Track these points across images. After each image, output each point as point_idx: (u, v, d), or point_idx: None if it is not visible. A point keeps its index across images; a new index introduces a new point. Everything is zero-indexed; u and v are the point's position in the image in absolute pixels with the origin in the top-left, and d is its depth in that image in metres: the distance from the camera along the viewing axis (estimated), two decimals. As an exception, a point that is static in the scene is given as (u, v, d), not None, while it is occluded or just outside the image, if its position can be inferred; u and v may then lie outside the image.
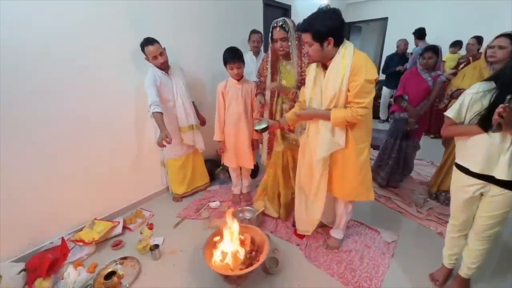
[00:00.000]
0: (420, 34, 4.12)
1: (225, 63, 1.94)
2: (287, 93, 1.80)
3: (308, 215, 1.73)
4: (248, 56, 2.80)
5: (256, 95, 2.02)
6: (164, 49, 2.03)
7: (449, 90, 2.08)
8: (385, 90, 4.70)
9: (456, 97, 1.98)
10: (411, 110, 2.30)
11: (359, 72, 1.25)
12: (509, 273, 1.60)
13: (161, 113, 2.05)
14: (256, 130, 1.64)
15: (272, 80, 1.86)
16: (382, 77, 4.85)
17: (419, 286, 1.53)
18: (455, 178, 1.32)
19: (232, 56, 1.90)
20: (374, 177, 2.63)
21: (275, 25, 1.66)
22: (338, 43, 1.29)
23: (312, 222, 1.73)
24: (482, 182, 1.19)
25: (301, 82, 1.73)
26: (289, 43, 1.68)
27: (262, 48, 2.96)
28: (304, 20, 1.29)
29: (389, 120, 4.15)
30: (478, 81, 1.92)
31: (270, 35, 1.72)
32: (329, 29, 1.24)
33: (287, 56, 1.76)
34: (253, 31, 2.80)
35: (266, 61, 1.88)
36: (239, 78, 2.01)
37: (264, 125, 1.62)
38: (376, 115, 3.75)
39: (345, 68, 1.27)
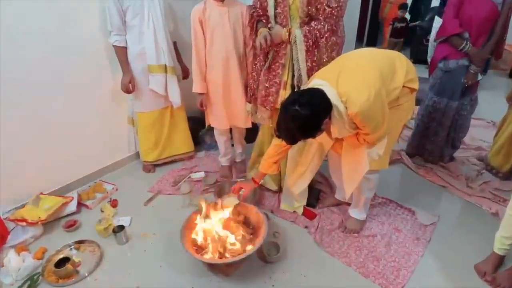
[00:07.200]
0: None
1: None
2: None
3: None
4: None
5: (252, 26, 1.79)
6: None
7: None
8: (438, 21, 4.35)
9: None
10: (476, 53, 2.03)
11: (352, 106, 1.24)
12: None
13: (124, 47, 2.09)
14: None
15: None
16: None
17: (460, 280, 1.56)
18: None
19: None
20: (420, 152, 2.52)
21: None
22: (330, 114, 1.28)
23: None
24: None
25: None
26: None
27: None
28: (286, 134, 1.27)
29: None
30: None
31: None
32: (318, 111, 1.21)
33: None
34: None
35: None
36: None
37: (235, 202, 1.69)
38: (423, 58, 3.50)
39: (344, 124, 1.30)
